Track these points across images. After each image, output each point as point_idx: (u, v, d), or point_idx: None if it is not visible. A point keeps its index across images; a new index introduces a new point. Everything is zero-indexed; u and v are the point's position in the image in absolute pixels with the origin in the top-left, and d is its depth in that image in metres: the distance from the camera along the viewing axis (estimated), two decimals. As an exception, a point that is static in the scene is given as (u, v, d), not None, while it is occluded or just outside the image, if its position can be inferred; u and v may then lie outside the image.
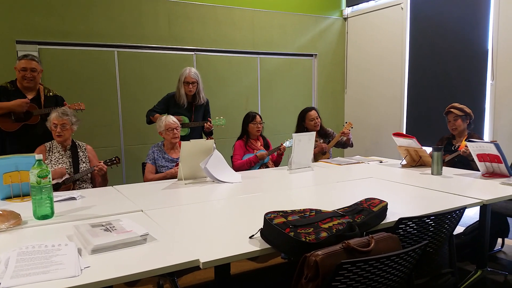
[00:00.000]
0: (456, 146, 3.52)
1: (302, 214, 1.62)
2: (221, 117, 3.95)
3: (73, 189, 2.90)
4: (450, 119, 3.55)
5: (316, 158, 3.95)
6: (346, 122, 4.11)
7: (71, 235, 1.68)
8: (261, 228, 1.58)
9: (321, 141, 4.12)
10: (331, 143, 4.08)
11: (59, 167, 2.92)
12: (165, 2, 5.00)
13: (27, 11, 4.30)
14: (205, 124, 3.84)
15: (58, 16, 4.46)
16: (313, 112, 4.07)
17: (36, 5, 4.33)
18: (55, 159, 2.97)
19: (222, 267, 1.51)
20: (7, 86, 3.32)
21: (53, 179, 2.77)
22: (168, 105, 3.82)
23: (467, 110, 3.51)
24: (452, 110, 3.52)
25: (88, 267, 1.34)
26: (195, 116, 3.84)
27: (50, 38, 4.45)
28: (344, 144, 4.14)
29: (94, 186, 3.04)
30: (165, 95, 3.88)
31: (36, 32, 4.37)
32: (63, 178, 2.88)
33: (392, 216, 1.85)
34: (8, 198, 2.39)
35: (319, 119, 4.08)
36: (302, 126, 4.12)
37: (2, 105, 3.21)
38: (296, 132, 4.11)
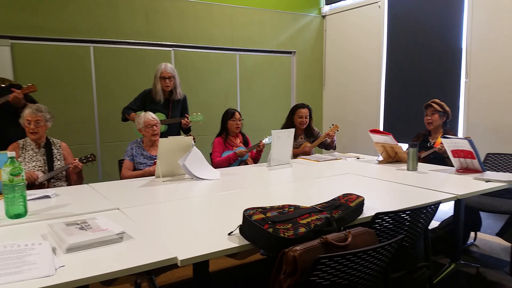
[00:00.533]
0: (432, 143, 3.59)
1: (281, 210, 1.62)
2: (199, 113, 3.92)
3: (48, 187, 2.83)
4: (428, 113, 3.61)
5: (296, 156, 3.96)
6: (332, 125, 4.10)
7: (45, 234, 1.65)
8: (240, 224, 1.58)
9: (305, 139, 4.12)
10: (315, 143, 4.08)
11: (30, 171, 2.82)
12: (142, -3, 4.94)
13: (0, 5, 4.18)
14: (183, 120, 3.80)
15: (31, 10, 4.34)
16: (304, 111, 4.05)
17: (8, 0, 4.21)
18: (28, 157, 2.90)
19: (200, 265, 1.50)
20: None
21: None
22: (145, 102, 3.77)
23: (447, 108, 3.59)
24: (432, 104, 3.59)
25: (63, 266, 1.32)
26: (173, 113, 3.80)
27: (24, 33, 4.34)
28: (328, 146, 4.15)
29: (69, 184, 2.98)
30: (141, 91, 3.82)
31: (8, 26, 4.24)
32: (40, 180, 2.80)
33: (369, 211, 1.87)
34: (-22, 197, 2.32)
35: (307, 119, 4.06)
36: (290, 119, 4.11)
37: None
38: (284, 125, 4.12)
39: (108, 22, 4.76)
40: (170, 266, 1.41)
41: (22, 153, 2.91)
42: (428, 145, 3.61)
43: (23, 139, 2.96)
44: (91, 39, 4.69)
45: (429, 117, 3.60)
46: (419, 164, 3.19)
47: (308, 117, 4.07)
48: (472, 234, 3.57)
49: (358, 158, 3.70)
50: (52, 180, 2.91)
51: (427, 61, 5.19)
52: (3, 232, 1.71)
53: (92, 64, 4.73)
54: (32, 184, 2.77)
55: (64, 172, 2.98)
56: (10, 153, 1.86)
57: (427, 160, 3.49)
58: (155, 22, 5.06)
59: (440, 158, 3.40)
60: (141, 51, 5.00)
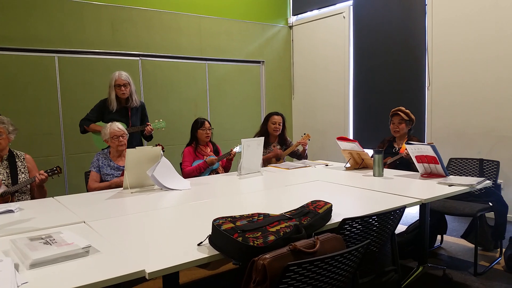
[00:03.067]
0: (397, 149, 3.69)
1: (251, 219, 1.63)
2: (161, 120, 3.89)
3: (12, 201, 2.73)
4: (395, 121, 3.71)
5: (268, 163, 3.99)
6: (304, 134, 4.18)
7: (8, 250, 1.59)
8: (210, 234, 1.58)
9: (278, 147, 4.16)
10: (287, 151, 4.13)
11: None
12: (107, 7, 4.88)
13: (-43, 13, 4.03)
14: (146, 128, 3.77)
15: (-8, 19, 4.21)
16: (277, 117, 4.13)
17: (-34, 7, 4.07)
18: (-11, 171, 2.79)
19: (170, 276, 1.48)
20: None
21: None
22: (103, 112, 3.70)
23: (412, 116, 3.70)
24: (399, 112, 3.68)
25: (26, 283, 1.27)
26: (132, 121, 3.75)
27: (-16, 42, 4.20)
28: (299, 156, 4.21)
29: (33, 198, 2.88)
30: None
31: (-33, 35, 4.10)
32: (1, 190, 2.70)
33: (336, 217, 1.91)
34: None
35: (281, 126, 4.13)
36: (264, 127, 4.17)
37: None
38: (259, 132, 4.15)
39: (73, 31, 4.67)
40: (138, 279, 1.39)
41: (-17, 166, 2.80)
42: (394, 150, 3.71)
43: (-17, 152, 2.85)
44: (55, 49, 4.59)
45: (396, 126, 3.70)
46: (385, 169, 3.27)
47: (281, 124, 4.13)
48: (439, 237, 3.68)
49: (326, 165, 3.76)
50: (16, 194, 2.81)
51: (392, 69, 5.35)
52: (-39, 249, 1.64)
53: (57, 74, 4.62)
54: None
55: (28, 186, 2.89)
56: (-31, 167, 1.79)
57: (393, 165, 3.59)
58: (122, 31, 5.00)
59: (405, 164, 3.50)
60: (108, 60, 4.93)
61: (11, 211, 2.24)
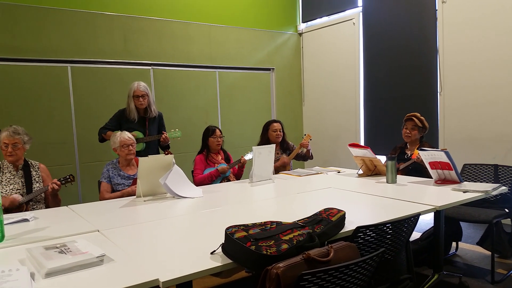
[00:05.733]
0: (409, 155, 3.66)
1: (263, 227, 1.62)
2: (177, 129, 3.92)
3: (26, 210, 2.77)
4: (408, 126, 3.68)
5: (277, 170, 3.99)
6: (305, 134, 4.20)
7: (24, 259, 1.60)
8: (223, 243, 1.57)
9: (283, 155, 4.18)
10: (291, 155, 4.15)
11: (12, 196, 2.76)
12: (120, 17, 4.94)
13: (-26, 26, 4.12)
14: (162, 137, 3.80)
15: (8, 31, 4.29)
16: (277, 124, 4.15)
17: (-17, 20, 4.16)
18: (6, 180, 2.83)
19: (183, 285, 1.48)
20: None
21: (2, 206, 2.63)
22: (120, 121, 3.75)
23: (426, 124, 3.66)
24: (413, 118, 3.65)
25: (41, 292, 1.29)
26: (150, 130, 3.79)
27: (1, 54, 4.28)
28: (305, 157, 4.22)
29: (47, 207, 2.91)
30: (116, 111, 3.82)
31: (-16, 47, 4.19)
32: (16, 205, 2.73)
33: (350, 225, 1.89)
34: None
35: (281, 132, 4.14)
36: (265, 136, 4.17)
37: None
38: (260, 142, 4.16)
39: (85, 41, 4.74)
40: (152, 288, 1.39)
41: (0, 176, 2.84)
42: (406, 157, 3.68)
43: (0, 161, 2.90)
44: (69, 59, 4.66)
45: (408, 131, 3.67)
46: (398, 176, 3.24)
47: (281, 130, 4.15)
48: (454, 244, 3.63)
49: (338, 172, 3.74)
50: (30, 203, 2.85)
51: (403, 74, 5.32)
52: (-22, 259, 1.66)
53: (70, 84, 4.69)
54: (11, 208, 2.70)
55: (42, 194, 2.92)
56: (-15, 177, 1.82)
57: (406, 171, 3.55)
58: (133, 41, 5.06)
59: (418, 169, 3.47)
60: (120, 70, 4.98)
61: (26, 220, 2.26)
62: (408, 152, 3.70)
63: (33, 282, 1.35)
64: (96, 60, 4.82)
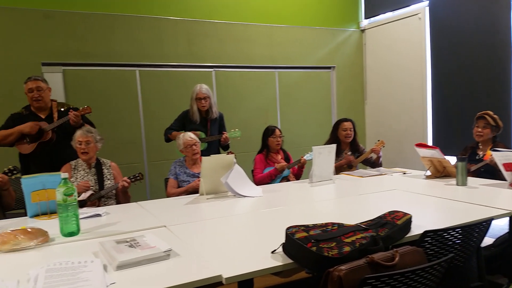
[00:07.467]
0: (481, 156, 3.44)
1: (324, 228, 1.61)
2: (236, 129, 3.99)
3: (98, 205, 2.96)
4: (480, 125, 3.46)
5: (339, 170, 3.91)
6: (378, 140, 4.04)
7: (97, 251, 1.71)
8: (283, 242, 1.58)
9: (349, 153, 4.07)
10: (360, 158, 4.03)
11: (82, 181, 2.98)
12: (184, 22, 5.11)
13: (52, 35, 4.46)
14: (222, 137, 3.89)
15: (80, 38, 4.60)
16: (348, 123, 4.05)
17: (59, 29, 4.49)
18: (80, 177, 3.04)
19: (245, 283, 1.51)
20: (22, 112, 3.39)
21: (78, 193, 2.82)
22: (184, 122, 3.90)
23: (499, 122, 3.42)
24: (486, 116, 3.43)
25: (114, 283, 1.36)
26: (211, 131, 3.90)
27: (74, 60, 4.59)
28: (373, 163, 4.07)
29: (118, 203, 3.09)
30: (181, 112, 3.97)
31: (60, 54, 4.52)
32: (88, 196, 2.93)
33: (416, 229, 1.81)
34: (36, 215, 2.45)
35: (352, 132, 4.05)
36: (335, 135, 4.10)
37: (12, 130, 3.27)
38: (328, 140, 4.10)
39: (152, 46, 4.96)
40: (214, 284, 1.43)
41: (74, 173, 3.06)
42: (477, 157, 3.46)
43: (75, 160, 3.12)
44: (136, 63, 4.90)
45: (480, 130, 3.46)
46: (469, 178, 3.05)
47: (352, 130, 4.03)
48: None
49: (404, 173, 3.59)
50: (102, 199, 3.04)
51: (474, 71, 5.00)
52: (58, 249, 1.80)
53: (139, 87, 4.93)
54: (86, 201, 2.90)
55: (113, 191, 3.10)
56: (63, 174, 1.97)
57: (477, 173, 3.34)
58: (196, 44, 5.21)
59: (490, 171, 3.25)
60: (184, 73, 5.16)
61: (98, 215, 2.42)
62: (480, 153, 3.48)
63: (106, 274, 1.44)
64: (162, 64, 5.03)
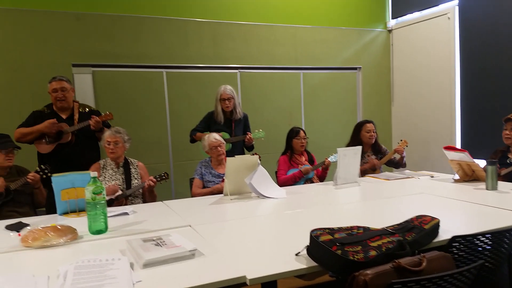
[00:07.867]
0: (513, 159, 3.33)
1: (350, 232, 1.59)
2: (260, 130, 3.99)
3: (126, 204, 3.02)
4: (508, 128, 3.36)
5: (364, 173, 3.87)
6: (401, 140, 3.99)
7: (124, 249, 1.75)
8: (307, 245, 1.57)
9: (373, 156, 4.03)
10: (383, 160, 3.98)
11: (112, 185, 3.05)
12: (209, 23, 5.16)
13: (82, 37, 4.58)
14: (246, 137, 3.90)
15: (110, 40, 4.71)
16: (370, 125, 4.02)
17: (90, 31, 4.61)
18: (109, 176, 3.11)
19: (269, 284, 1.51)
20: (44, 110, 3.45)
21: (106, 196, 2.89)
22: (209, 123, 3.94)
23: None
24: None
25: (140, 281, 1.39)
26: (236, 131, 3.92)
27: (103, 61, 4.70)
28: (397, 164, 4.02)
29: (144, 201, 3.14)
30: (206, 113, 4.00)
31: (90, 55, 4.63)
32: (116, 195, 3.00)
33: (444, 234, 1.77)
34: (65, 213, 2.53)
35: (375, 133, 4.01)
36: (357, 137, 4.06)
37: (32, 129, 3.32)
38: (350, 143, 4.06)
39: (178, 48, 5.02)
40: (238, 284, 1.43)
41: (103, 172, 3.13)
42: (508, 161, 3.35)
43: (103, 159, 3.20)
44: (163, 65, 4.97)
45: (508, 132, 3.35)
46: (499, 182, 2.96)
47: (375, 131, 3.99)
48: None
49: (432, 177, 3.52)
50: (129, 198, 3.10)
51: (505, 72, 4.85)
52: (86, 247, 1.85)
53: (165, 88, 5.01)
54: (114, 200, 2.97)
55: (140, 190, 3.16)
56: (92, 173, 2.02)
57: (508, 178, 3.24)
58: (221, 46, 5.25)
59: (523, 176, 3.14)
60: (209, 74, 5.20)
61: (126, 213, 2.47)
62: (511, 156, 3.37)
63: (132, 271, 1.47)
64: (188, 65, 5.09)
